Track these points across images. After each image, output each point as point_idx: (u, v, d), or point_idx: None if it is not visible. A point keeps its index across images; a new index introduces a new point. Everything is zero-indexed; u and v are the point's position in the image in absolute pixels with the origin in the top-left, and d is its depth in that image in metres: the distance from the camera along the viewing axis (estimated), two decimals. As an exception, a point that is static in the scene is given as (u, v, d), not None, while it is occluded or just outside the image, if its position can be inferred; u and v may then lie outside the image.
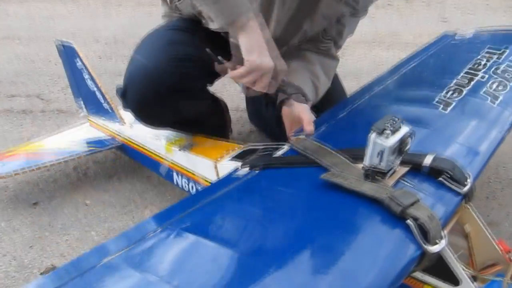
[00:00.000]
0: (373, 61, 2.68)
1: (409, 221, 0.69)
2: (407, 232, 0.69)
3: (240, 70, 1.00)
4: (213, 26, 1.03)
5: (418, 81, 1.28)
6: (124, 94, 1.21)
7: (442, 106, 1.09)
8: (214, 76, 1.30)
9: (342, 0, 1.17)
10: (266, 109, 1.51)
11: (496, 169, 1.61)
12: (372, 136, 0.75)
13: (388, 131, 0.74)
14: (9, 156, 1.58)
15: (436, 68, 1.37)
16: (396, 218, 0.70)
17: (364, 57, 2.75)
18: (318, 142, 0.94)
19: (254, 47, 0.99)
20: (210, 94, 1.38)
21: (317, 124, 1.08)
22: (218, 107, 1.50)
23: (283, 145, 1.01)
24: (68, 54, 1.61)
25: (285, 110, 1.15)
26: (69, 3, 4.20)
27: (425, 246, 0.67)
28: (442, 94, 1.14)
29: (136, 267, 0.65)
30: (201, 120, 1.36)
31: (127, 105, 1.24)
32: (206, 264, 0.65)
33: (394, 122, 0.76)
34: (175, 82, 1.15)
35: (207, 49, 1.02)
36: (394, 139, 0.74)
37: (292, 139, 1.02)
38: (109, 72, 2.63)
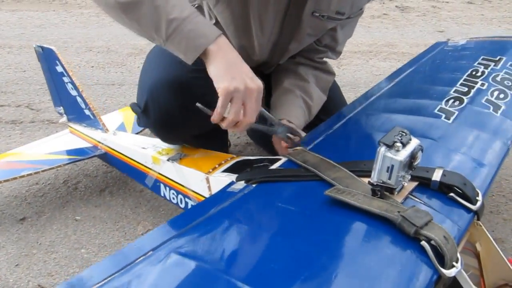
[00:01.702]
0: (370, 72, 2.65)
1: (423, 243, 0.64)
2: (421, 255, 0.64)
3: (218, 105, 0.87)
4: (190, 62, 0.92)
5: (416, 90, 1.25)
6: (146, 111, 1.12)
7: (444, 115, 1.05)
8: None
9: (325, 16, 1.09)
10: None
11: (499, 182, 1.57)
12: (382, 150, 0.70)
13: (398, 144, 0.69)
14: None
15: (432, 77, 1.34)
16: (409, 239, 0.65)
17: (361, 67, 2.72)
18: (318, 154, 0.89)
19: (223, 74, 0.87)
20: None
21: (314, 135, 1.03)
22: None
23: (279, 158, 0.96)
24: (47, 57, 1.55)
25: (275, 139, 1.08)
26: (62, 12, 4.17)
27: (441, 270, 0.62)
28: (443, 103, 1.11)
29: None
30: (212, 134, 1.31)
31: (148, 121, 1.15)
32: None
33: (404, 135, 0.71)
34: (198, 92, 1.04)
35: (198, 104, 0.92)
36: (405, 153, 0.69)
37: (289, 151, 0.96)
38: (101, 81, 2.58)
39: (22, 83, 2.58)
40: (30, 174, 1.43)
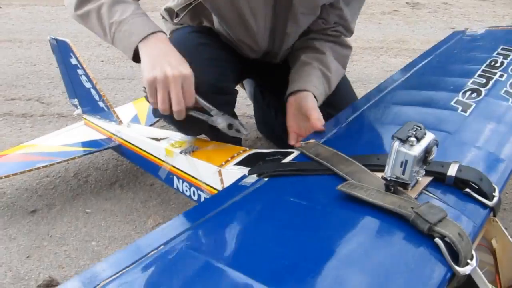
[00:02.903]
0: (381, 68, 2.63)
1: (437, 240, 0.63)
2: (435, 252, 0.63)
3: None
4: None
5: (432, 82, 1.22)
6: None
7: (461, 108, 1.03)
8: (239, 79, 1.30)
9: None
10: (274, 117, 1.46)
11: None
12: (395, 144, 0.69)
13: (413, 139, 0.68)
14: (0, 158, 1.52)
15: (449, 68, 1.31)
16: (422, 235, 0.64)
17: (371, 63, 2.71)
18: (331, 147, 0.88)
19: (146, 66, 0.92)
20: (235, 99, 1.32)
21: (327, 128, 1.02)
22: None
23: (292, 151, 0.95)
24: (61, 50, 1.55)
25: (291, 99, 1.11)
26: (72, 6, 4.17)
27: (455, 268, 0.61)
28: (459, 95, 1.08)
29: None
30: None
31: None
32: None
33: (418, 129, 0.70)
34: (215, 81, 1.10)
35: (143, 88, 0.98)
36: (419, 148, 0.68)
37: (301, 143, 0.96)
38: (111, 76, 2.59)
39: (33, 77, 2.59)
40: (46, 166, 1.44)
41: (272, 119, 1.47)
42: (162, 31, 0.98)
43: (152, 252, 0.65)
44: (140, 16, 0.97)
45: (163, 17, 1.38)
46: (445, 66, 1.33)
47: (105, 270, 0.62)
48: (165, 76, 0.90)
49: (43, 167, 1.44)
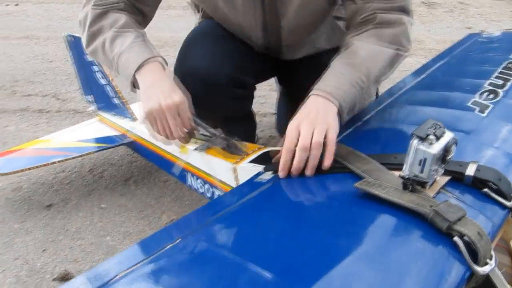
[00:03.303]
0: (397, 68, 2.61)
1: (456, 239, 0.62)
2: (454, 251, 0.62)
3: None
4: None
5: (448, 83, 1.21)
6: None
7: (478, 108, 1.02)
8: (260, 76, 1.27)
9: None
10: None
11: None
12: (414, 142, 0.68)
13: (432, 137, 0.67)
14: (15, 153, 1.54)
15: (466, 70, 1.30)
16: (441, 234, 0.64)
17: (386, 62, 2.68)
18: (347, 146, 0.88)
19: (142, 97, 0.97)
20: (253, 95, 1.32)
21: (342, 127, 1.01)
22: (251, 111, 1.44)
23: None
24: (77, 46, 1.56)
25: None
26: (88, 4, 4.21)
27: (474, 267, 0.60)
28: (476, 96, 1.07)
29: (152, 282, 0.59)
30: (243, 122, 1.31)
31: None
32: (230, 283, 0.59)
33: (438, 127, 0.70)
34: (233, 74, 1.13)
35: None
36: (438, 147, 0.68)
37: None
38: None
39: (49, 73, 2.62)
40: (61, 161, 1.46)
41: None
42: (156, 56, 0.99)
43: (169, 246, 0.66)
44: (137, 45, 1.00)
45: (191, 8, 1.39)
46: (461, 67, 1.33)
47: (121, 263, 0.63)
48: (159, 107, 0.95)
49: (58, 162, 1.46)
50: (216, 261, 0.63)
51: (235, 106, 1.22)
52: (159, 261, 0.63)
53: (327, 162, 0.82)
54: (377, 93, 1.05)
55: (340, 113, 0.90)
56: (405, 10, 1.04)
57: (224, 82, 1.12)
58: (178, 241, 0.67)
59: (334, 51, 1.02)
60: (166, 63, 1.02)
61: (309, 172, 0.82)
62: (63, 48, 3.04)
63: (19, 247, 1.30)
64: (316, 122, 0.85)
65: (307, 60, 1.28)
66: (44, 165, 1.44)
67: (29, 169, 1.43)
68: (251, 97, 1.25)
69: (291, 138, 0.84)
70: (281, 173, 0.83)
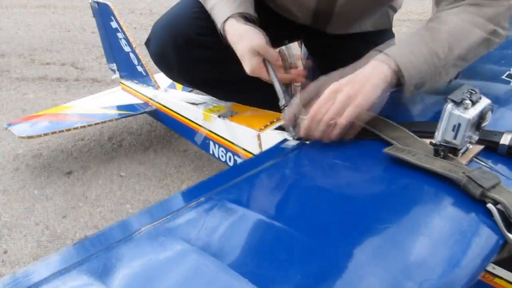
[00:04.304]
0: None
1: (489, 205, 0.60)
2: (487, 218, 0.60)
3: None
4: None
5: (483, 55, 1.17)
6: (148, 44, 1.21)
7: None
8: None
9: None
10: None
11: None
12: (448, 106, 0.66)
13: (467, 102, 0.65)
14: (38, 117, 1.54)
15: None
16: (474, 201, 0.62)
17: (409, 35, 2.62)
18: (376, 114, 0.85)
19: (232, 40, 0.97)
20: None
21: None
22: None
23: None
24: (102, 13, 1.54)
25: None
26: (105, -26, 4.17)
27: (509, 235, 0.58)
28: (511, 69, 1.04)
29: (171, 237, 0.58)
30: (246, 89, 1.28)
31: (150, 55, 1.23)
32: (254, 238, 0.58)
33: (473, 93, 0.67)
34: (192, 34, 1.11)
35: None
36: (474, 112, 0.65)
37: None
38: (143, 43, 2.58)
39: (67, 42, 2.61)
40: (84, 127, 1.47)
41: None
42: (235, 13, 0.99)
43: (193, 203, 0.65)
44: (222, 1, 1.01)
45: None
46: None
47: (140, 221, 0.62)
48: (252, 46, 0.93)
49: (81, 127, 1.46)
50: (240, 218, 0.62)
51: None
52: (184, 217, 0.62)
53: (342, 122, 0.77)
54: (458, 74, 0.93)
55: (401, 87, 0.81)
56: None
57: None
58: (201, 199, 0.66)
59: (376, 34, 1.14)
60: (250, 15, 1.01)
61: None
62: (80, 17, 3.03)
63: (40, 213, 1.31)
64: (357, 94, 0.77)
65: (349, 37, 1.22)
66: (68, 130, 1.45)
67: (53, 133, 1.44)
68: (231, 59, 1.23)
69: (321, 107, 0.78)
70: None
